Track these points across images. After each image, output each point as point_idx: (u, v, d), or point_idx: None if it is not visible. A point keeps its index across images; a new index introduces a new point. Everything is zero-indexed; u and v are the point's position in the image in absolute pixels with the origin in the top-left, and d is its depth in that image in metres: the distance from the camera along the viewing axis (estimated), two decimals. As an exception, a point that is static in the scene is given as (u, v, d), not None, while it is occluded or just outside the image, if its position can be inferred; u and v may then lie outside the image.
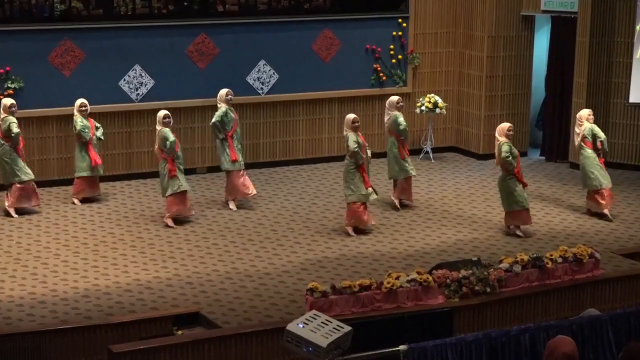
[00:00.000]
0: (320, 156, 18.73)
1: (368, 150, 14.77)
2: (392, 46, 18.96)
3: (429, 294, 11.84)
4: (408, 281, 11.79)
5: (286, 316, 11.48)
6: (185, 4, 17.49)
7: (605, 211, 15.45)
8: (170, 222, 14.87)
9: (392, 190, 16.06)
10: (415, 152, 18.71)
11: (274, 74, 18.21)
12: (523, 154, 18.35)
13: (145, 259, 13.58)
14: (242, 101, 17.61)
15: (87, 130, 15.72)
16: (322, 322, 7.09)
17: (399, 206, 15.85)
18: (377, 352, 7.75)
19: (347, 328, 7.11)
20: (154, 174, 16.23)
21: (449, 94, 19.50)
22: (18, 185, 15.26)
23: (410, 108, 18.59)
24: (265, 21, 18.04)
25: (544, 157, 19.28)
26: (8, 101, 15.37)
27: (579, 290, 12.59)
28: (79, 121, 15.70)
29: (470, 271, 12.04)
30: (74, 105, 15.88)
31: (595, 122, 15.78)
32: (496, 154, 14.70)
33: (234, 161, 15.62)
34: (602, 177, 15.40)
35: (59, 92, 16.78)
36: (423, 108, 18.63)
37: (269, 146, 18.41)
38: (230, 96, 15.79)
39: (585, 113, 15.72)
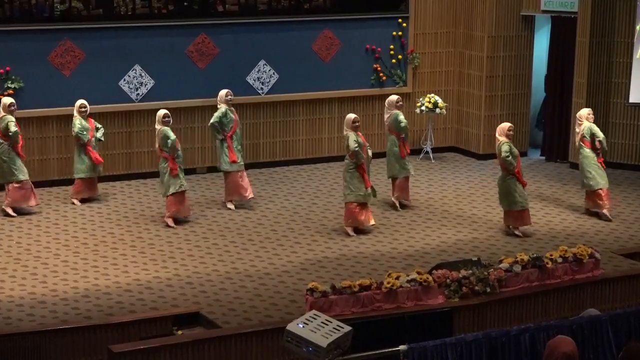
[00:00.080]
0: (320, 156, 18.73)
1: (369, 150, 14.76)
2: (392, 46, 18.96)
3: (429, 294, 11.84)
4: (408, 281, 11.79)
5: (286, 316, 11.48)
6: (185, 4, 17.49)
7: (604, 211, 15.45)
8: (170, 222, 14.87)
9: (392, 190, 16.05)
10: (415, 152, 18.72)
11: (274, 74, 18.21)
12: (523, 154, 18.35)
13: (145, 259, 13.58)
14: (242, 101, 17.61)
15: (84, 133, 15.72)
16: (322, 322, 7.08)
17: (399, 206, 15.85)
18: (377, 352, 7.74)
19: (347, 328, 7.11)
20: (154, 174, 16.23)
21: (449, 94, 19.50)
22: (15, 185, 15.27)
23: (410, 108, 18.60)
24: (265, 21, 18.04)
25: (544, 157, 19.29)
26: (8, 100, 15.37)
27: (579, 290, 12.59)
28: (77, 123, 15.69)
29: (470, 271, 12.04)
30: (74, 105, 15.89)
31: (595, 122, 15.78)
32: (497, 154, 14.71)
33: (233, 162, 15.62)
34: (600, 177, 15.39)
35: (59, 92, 16.78)
36: (423, 108, 18.64)
37: (269, 146, 18.41)
38: (230, 97, 15.79)
39: (584, 112, 15.72)
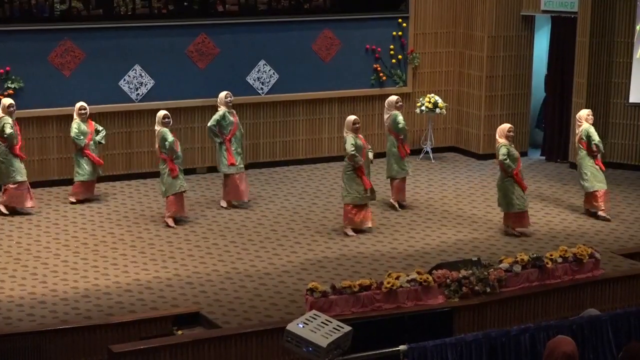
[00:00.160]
0: (320, 156, 18.73)
1: (370, 153, 14.73)
2: (392, 46, 18.96)
3: (429, 294, 11.84)
4: (408, 281, 11.78)
5: (286, 316, 11.47)
6: (185, 4, 17.49)
7: (600, 213, 15.43)
8: (170, 222, 14.88)
9: (390, 190, 16.05)
10: (415, 152, 18.72)
11: (274, 74, 18.21)
12: (523, 154, 18.33)
13: (145, 259, 13.58)
14: (242, 101, 17.61)
15: (81, 137, 15.68)
16: (322, 322, 7.08)
17: (398, 207, 15.84)
18: (377, 352, 7.74)
19: (347, 328, 7.11)
20: (154, 174, 16.24)
21: (449, 94, 19.50)
22: (11, 186, 15.26)
23: (410, 108, 18.60)
24: (265, 21, 18.04)
25: (544, 157, 19.29)
26: (7, 101, 15.36)
27: (579, 290, 12.58)
28: (75, 127, 15.66)
29: (470, 271, 12.03)
30: (74, 105, 15.88)
31: (595, 122, 15.79)
32: (496, 155, 14.72)
33: (231, 165, 15.62)
34: (596, 179, 15.36)
35: (59, 92, 16.78)
36: (423, 108, 18.64)
37: (269, 146, 18.41)
38: (229, 99, 15.77)
39: (584, 113, 15.71)
